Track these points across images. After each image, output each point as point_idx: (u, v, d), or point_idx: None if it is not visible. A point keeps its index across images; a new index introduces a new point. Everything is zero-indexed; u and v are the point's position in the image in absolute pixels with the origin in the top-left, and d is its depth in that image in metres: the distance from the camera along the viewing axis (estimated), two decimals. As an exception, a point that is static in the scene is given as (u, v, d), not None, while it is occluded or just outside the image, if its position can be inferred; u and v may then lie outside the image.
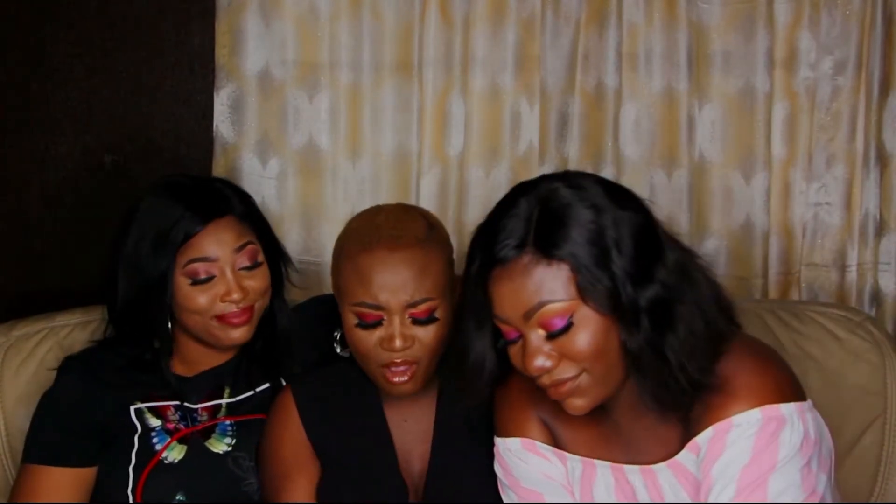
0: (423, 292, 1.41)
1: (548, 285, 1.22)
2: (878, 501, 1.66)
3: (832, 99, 2.07)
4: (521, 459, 1.40)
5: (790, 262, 2.11)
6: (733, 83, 2.06)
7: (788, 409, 1.25)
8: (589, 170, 2.06)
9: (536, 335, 1.24)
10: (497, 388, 1.43)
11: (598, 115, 2.06)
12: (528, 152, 2.08)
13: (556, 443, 1.40)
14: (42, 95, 2.06)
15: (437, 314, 1.43)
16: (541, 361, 1.25)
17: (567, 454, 1.38)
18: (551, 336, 1.24)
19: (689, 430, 1.28)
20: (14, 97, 2.06)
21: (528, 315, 1.24)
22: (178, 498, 1.55)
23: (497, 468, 1.44)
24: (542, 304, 1.23)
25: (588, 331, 1.23)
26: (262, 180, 2.06)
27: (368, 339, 1.42)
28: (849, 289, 2.11)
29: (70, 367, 1.65)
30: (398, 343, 1.40)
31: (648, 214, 1.28)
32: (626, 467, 1.34)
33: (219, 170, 2.05)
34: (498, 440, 1.43)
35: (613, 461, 1.35)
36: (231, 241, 1.57)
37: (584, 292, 1.22)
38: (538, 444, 1.39)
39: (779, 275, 2.10)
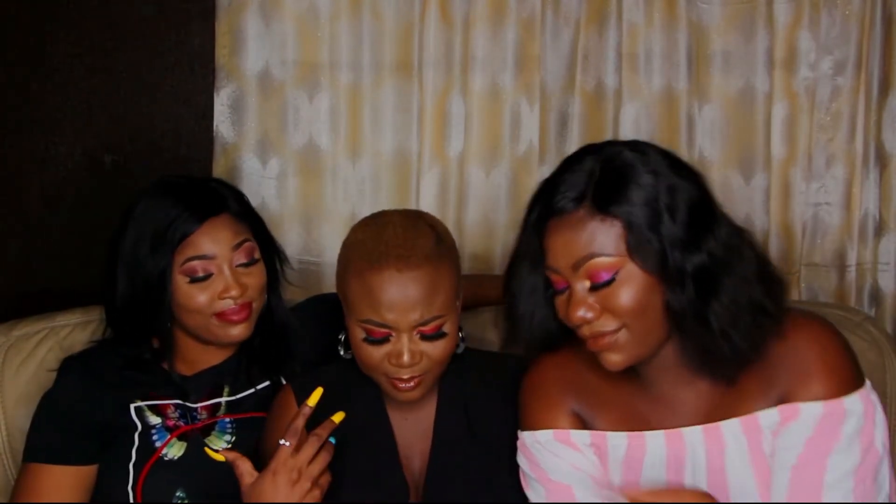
0: (433, 311, 1.40)
1: (599, 239, 1.27)
2: (879, 501, 1.65)
3: (832, 99, 2.08)
4: (552, 452, 1.40)
5: (790, 261, 2.11)
6: (733, 83, 2.06)
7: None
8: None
9: (582, 286, 1.29)
10: (524, 378, 1.46)
11: (598, 115, 2.06)
12: (528, 152, 2.08)
13: (591, 428, 1.41)
14: (42, 95, 2.06)
15: (446, 328, 1.43)
16: (582, 312, 1.29)
17: (608, 433, 1.39)
18: (595, 287, 1.28)
19: (767, 394, 1.32)
20: (14, 97, 2.06)
21: (577, 265, 1.28)
22: (177, 495, 1.55)
23: (521, 461, 1.45)
24: (591, 256, 1.27)
25: (632, 287, 1.27)
26: (262, 180, 2.07)
27: (376, 354, 1.42)
28: (848, 289, 2.11)
29: (70, 367, 1.65)
30: (406, 359, 1.40)
31: (704, 188, 1.32)
32: (685, 430, 1.36)
33: (219, 170, 2.05)
34: (525, 433, 1.44)
35: (665, 428, 1.37)
36: (228, 238, 1.57)
37: (632, 251, 1.26)
38: (572, 433, 1.40)
39: (778, 274, 2.11)
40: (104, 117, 2.08)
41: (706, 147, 2.08)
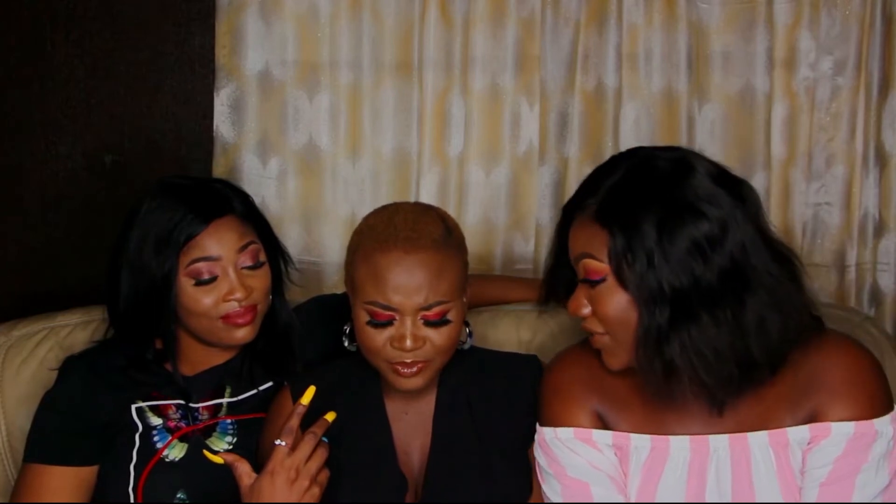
0: (437, 295, 1.41)
1: (595, 242, 1.32)
2: (878, 501, 1.65)
3: (832, 99, 2.07)
4: (572, 449, 1.41)
5: (790, 261, 2.11)
6: (733, 83, 2.06)
7: None
8: (589, 170, 2.07)
9: (582, 281, 1.35)
10: (546, 373, 1.49)
11: (598, 115, 2.06)
12: (528, 152, 2.08)
13: (613, 429, 1.41)
14: (42, 95, 2.06)
15: (450, 316, 1.43)
16: (577, 303, 1.36)
17: (631, 435, 1.40)
18: (587, 282, 1.33)
19: (797, 410, 1.34)
20: (14, 97, 2.06)
21: (577, 259, 1.35)
22: (178, 496, 1.55)
23: (539, 455, 1.45)
24: (585, 255, 1.33)
25: (612, 298, 1.31)
26: (262, 180, 2.07)
27: (379, 338, 1.43)
28: (848, 289, 2.11)
29: (71, 366, 1.65)
30: (409, 343, 1.41)
31: (725, 226, 1.28)
32: (711, 437, 1.37)
33: (219, 170, 2.05)
34: (545, 429, 1.44)
35: (689, 434, 1.38)
36: (233, 240, 1.57)
37: (613, 265, 1.30)
38: (594, 432, 1.41)
39: (778, 274, 2.10)
40: (104, 117, 2.08)
41: (706, 147, 2.07)
